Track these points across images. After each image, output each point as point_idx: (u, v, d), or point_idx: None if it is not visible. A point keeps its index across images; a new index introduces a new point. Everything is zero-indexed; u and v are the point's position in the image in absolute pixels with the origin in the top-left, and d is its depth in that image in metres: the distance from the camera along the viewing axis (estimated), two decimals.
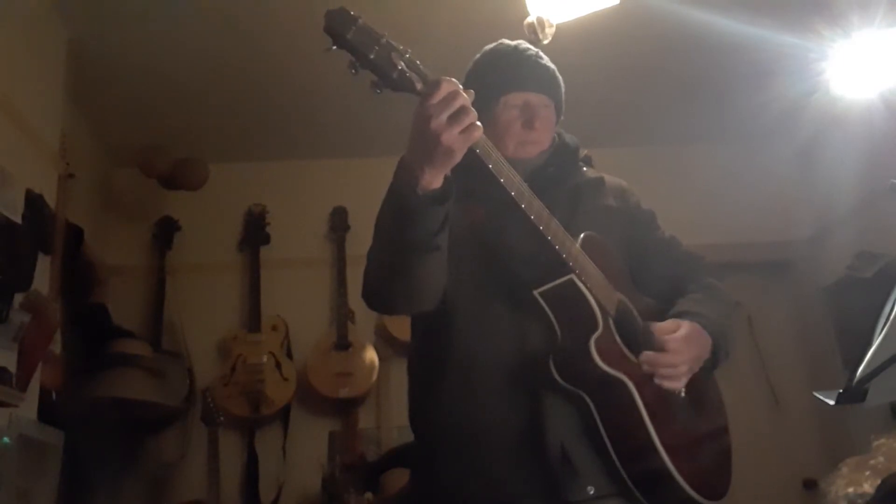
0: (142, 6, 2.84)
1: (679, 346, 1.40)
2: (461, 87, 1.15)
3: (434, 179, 1.18)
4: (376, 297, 1.39)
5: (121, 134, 3.66)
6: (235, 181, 3.91)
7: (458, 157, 1.16)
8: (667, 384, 1.40)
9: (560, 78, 1.62)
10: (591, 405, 1.34)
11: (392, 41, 1.11)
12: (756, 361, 3.79)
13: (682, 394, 1.47)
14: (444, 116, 1.12)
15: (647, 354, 1.39)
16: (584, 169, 1.63)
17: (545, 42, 2.40)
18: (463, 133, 1.13)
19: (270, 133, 3.76)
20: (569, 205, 1.51)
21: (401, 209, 1.20)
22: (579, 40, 2.73)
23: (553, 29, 2.48)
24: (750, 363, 3.76)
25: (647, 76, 3.42)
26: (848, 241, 3.44)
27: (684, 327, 1.43)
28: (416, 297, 1.35)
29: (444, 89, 1.12)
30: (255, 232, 3.82)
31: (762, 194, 3.78)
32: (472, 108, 1.14)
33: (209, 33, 3.02)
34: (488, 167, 1.23)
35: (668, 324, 1.44)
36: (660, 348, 1.39)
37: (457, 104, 1.12)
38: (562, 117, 1.65)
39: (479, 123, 1.15)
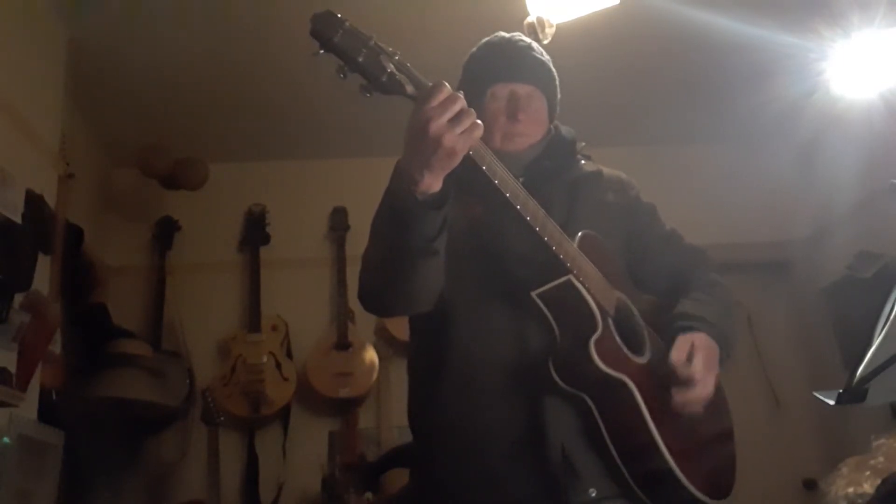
0: (142, 6, 2.84)
1: (704, 374, 1.38)
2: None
3: (434, 183, 1.16)
4: (372, 300, 1.39)
5: (121, 134, 3.66)
6: (235, 181, 3.91)
7: (459, 159, 1.15)
8: (693, 410, 1.39)
9: (553, 70, 1.61)
10: (593, 407, 1.33)
11: (380, 43, 1.09)
12: (756, 361, 3.79)
13: None
14: (445, 119, 1.10)
15: (679, 396, 1.37)
16: (582, 162, 1.61)
17: (545, 42, 2.40)
18: (464, 134, 1.12)
19: (270, 133, 3.76)
20: (566, 200, 1.50)
21: (399, 214, 1.19)
22: (579, 40, 2.73)
23: (553, 29, 2.48)
24: (750, 363, 3.76)
25: (647, 76, 3.42)
26: (848, 241, 3.44)
27: (699, 350, 1.39)
28: (414, 300, 1.35)
29: (443, 92, 1.11)
30: (255, 232, 3.82)
31: (762, 194, 3.78)
32: (471, 109, 1.13)
33: (209, 33, 3.02)
34: (482, 169, 1.21)
35: (681, 349, 1.40)
36: (688, 383, 1.37)
37: (456, 106, 1.11)
38: (557, 110, 1.63)
39: (479, 122, 1.14)
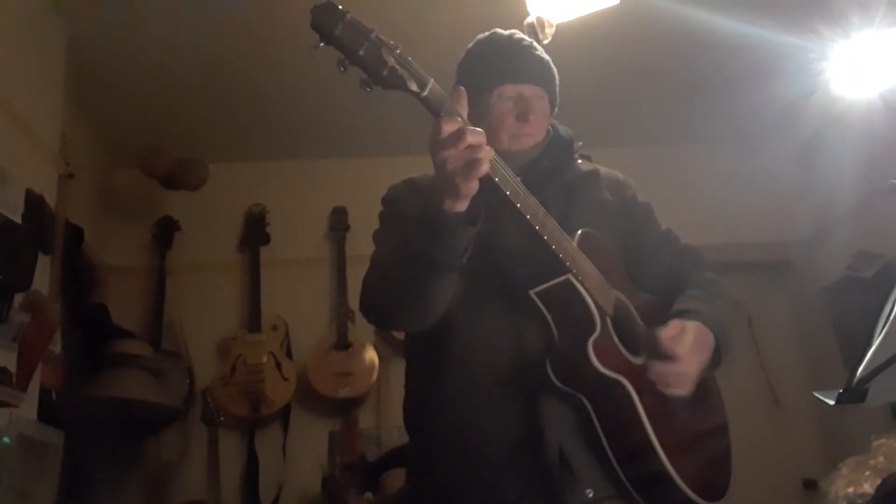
0: (142, 6, 2.84)
1: (687, 352, 1.36)
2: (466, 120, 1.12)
3: (455, 204, 1.15)
4: (379, 312, 1.38)
5: (121, 134, 3.66)
6: (235, 181, 3.92)
7: (467, 189, 1.13)
8: (675, 391, 1.37)
9: (555, 70, 1.60)
10: (590, 407, 1.33)
11: (382, 36, 1.07)
12: (756, 361, 3.79)
13: None
14: (450, 153, 1.10)
15: (655, 365, 1.36)
16: (579, 161, 1.61)
17: (545, 42, 2.40)
18: (467, 168, 1.11)
19: (270, 133, 3.76)
20: (564, 199, 1.49)
21: (431, 227, 1.18)
22: (579, 40, 2.73)
23: (553, 29, 2.48)
24: (750, 363, 3.76)
25: (647, 76, 3.42)
26: (848, 241, 3.44)
27: (690, 331, 1.38)
28: (426, 315, 1.33)
29: (450, 125, 1.10)
30: (255, 232, 3.82)
31: (762, 194, 3.78)
32: (482, 145, 1.10)
33: (209, 33, 3.02)
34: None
35: (672, 328, 1.39)
36: (668, 357, 1.35)
37: (463, 142, 1.10)
38: (556, 109, 1.62)
39: (483, 158, 1.11)
